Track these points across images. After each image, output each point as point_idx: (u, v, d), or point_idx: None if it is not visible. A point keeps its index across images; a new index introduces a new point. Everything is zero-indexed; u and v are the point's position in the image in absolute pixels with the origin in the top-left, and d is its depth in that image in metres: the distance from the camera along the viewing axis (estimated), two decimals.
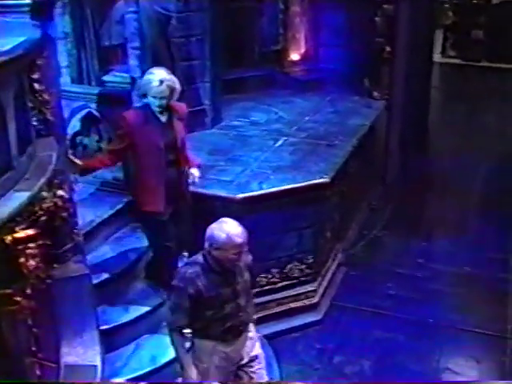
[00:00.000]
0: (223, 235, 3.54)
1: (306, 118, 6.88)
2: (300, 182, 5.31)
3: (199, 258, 3.72)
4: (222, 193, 5.14)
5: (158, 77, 4.23)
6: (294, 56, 7.92)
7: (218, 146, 6.10)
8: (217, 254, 3.60)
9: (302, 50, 7.91)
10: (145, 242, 4.91)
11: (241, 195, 5.09)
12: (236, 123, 6.74)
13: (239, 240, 3.59)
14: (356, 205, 7.28)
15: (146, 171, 4.41)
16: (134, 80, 4.82)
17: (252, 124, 6.72)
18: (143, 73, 4.63)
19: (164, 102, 4.30)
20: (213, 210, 5.21)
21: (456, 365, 5.36)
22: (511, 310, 5.97)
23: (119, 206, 5.03)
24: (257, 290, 5.52)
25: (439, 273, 6.67)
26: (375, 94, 7.53)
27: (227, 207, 5.16)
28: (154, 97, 4.25)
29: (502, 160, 9.19)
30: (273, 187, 5.23)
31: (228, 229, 3.57)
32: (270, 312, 5.63)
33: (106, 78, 5.41)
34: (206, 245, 3.63)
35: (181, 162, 4.56)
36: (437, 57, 14.16)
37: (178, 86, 4.36)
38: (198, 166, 4.70)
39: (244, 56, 7.79)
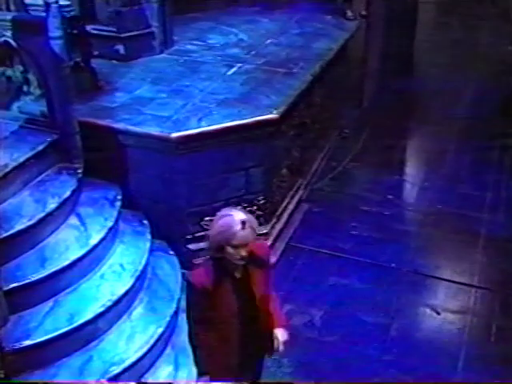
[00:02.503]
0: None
1: (268, 41, 6.25)
2: (245, 119, 4.78)
3: None
4: (156, 131, 4.63)
5: (238, 218, 3.14)
6: None
7: (164, 74, 5.53)
8: None
9: None
10: (69, 186, 4.47)
11: (175, 134, 4.58)
12: (190, 47, 6.12)
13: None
14: (324, 135, 6.76)
15: (215, 342, 3.38)
16: (48, 5, 4.22)
17: (207, 48, 6.10)
18: None
19: (246, 250, 3.18)
20: (147, 150, 4.76)
21: (414, 316, 5.00)
22: (481, 256, 5.53)
23: (40, 147, 4.51)
24: (201, 233, 5.13)
25: (408, 211, 6.24)
26: (349, 13, 6.83)
27: (162, 147, 4.69)
28: (236, 246, 3.17)
29: (491, 83, 8.54)
30: (213, 124, 4.70)
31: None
32: None
33: (28, 0, 4.80)
34: None
35: (262, 319, 3.41)
36: None
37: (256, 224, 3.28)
38: (284, 327, 3.52)
39: None
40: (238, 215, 3.14)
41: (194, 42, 6.21)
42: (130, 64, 5.68)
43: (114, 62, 5.75)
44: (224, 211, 3.25)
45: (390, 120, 7.67)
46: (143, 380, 4.06)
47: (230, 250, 3.14)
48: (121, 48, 5.70)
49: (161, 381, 4.19)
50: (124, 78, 5.44)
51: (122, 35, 5.67)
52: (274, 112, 4.86)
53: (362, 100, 7.74)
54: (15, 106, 4.95)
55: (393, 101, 7.98)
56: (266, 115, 4.82)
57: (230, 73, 5.54)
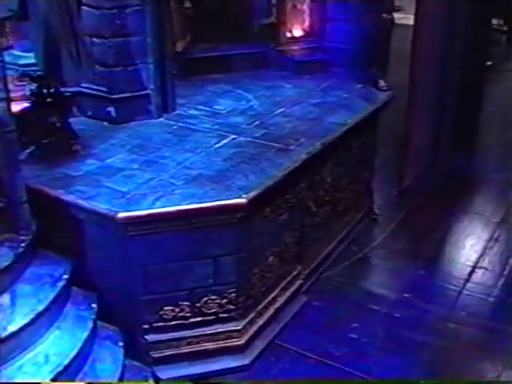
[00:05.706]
0: None
1: (279, 111, 5.64)
2: (206, 202, 4.18)
3: None
4: (104, 208, 4.12)
5: None
6: (296, 32, 6.62)
7: (148, 142, 5.05)
8: None
9: (305, 25, 6.59)
10: (2, 262, 4.01)
11: (122, 214, 4.04)
12: (192, 112, 5.62)
13: None
14: (342, 216, 6.00)
15: None
16: None
17: (210, 115, 5.56)
18: None
19: None
20: (100, 228, 4.26)
21: None
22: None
23: None
24: (161, 323, 4.54)
25: (424, 315, 5.31)
26: (381, 82, 6.11)
27: (113, 226, 4.17)
28: None
29: None
30: (169, 206, 4.13)
31: None
32: (179, 352, 4.61)
33: None
34: None
35: None
36: None
37: None
38: None
39: (233, 30, 6.64)
40: None
41: (199, 107, 5.71)
42: (119, 128, 5.26)
43: (106, 123, 5.34)
44: None
45: (431, 203, 6.82)
46: None
47: None
48: (112, 110, 5.29)
49: None
50: (104, 143, 5.01)
51: (113, 96, 5.27)
52: (244, 196, 4.23)
53: (402, 179, 6.91)
54: None
55: (441, 181, 7.13)
56: (232, 200, 4.20)
57: (218, 145, 4.98)
